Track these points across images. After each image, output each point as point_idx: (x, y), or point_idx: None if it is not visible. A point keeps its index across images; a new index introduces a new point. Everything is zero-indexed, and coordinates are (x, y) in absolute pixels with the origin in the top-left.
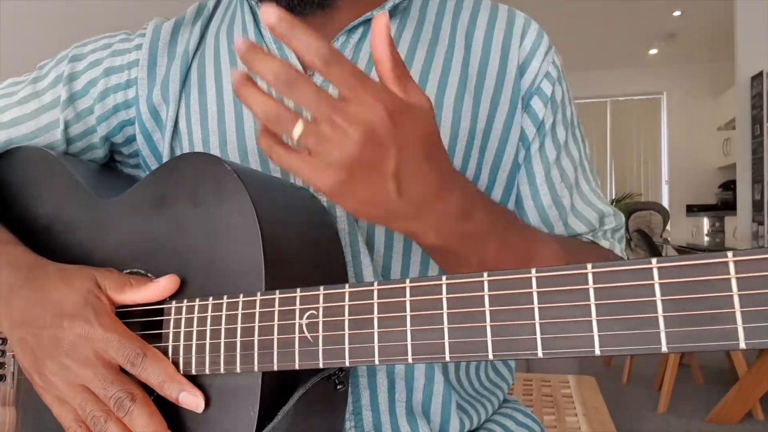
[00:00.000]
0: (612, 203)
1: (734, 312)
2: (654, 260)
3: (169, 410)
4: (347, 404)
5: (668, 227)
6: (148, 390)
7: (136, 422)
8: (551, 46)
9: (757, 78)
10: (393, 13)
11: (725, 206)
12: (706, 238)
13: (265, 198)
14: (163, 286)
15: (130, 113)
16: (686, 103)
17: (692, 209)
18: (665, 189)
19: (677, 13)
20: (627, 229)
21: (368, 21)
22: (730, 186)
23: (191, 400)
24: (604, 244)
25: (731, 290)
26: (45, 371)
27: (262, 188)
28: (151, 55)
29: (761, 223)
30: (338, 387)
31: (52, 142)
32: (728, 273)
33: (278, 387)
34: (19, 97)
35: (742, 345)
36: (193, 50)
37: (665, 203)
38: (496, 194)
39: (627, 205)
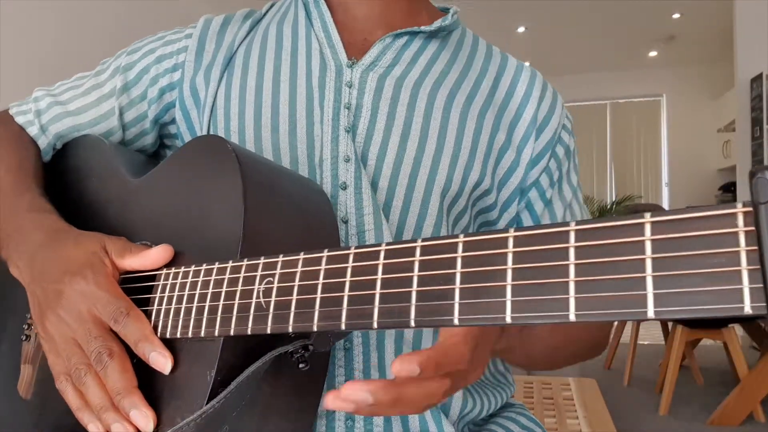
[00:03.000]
0: (612, 205)
1: (645, 277)
2: (573, 223)
3: (145, 371)
4: (323, 389)
5: None
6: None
7: (109, 377)
8: (563, 105)
9: (757, 80)
10: (435, 34)
11: None
12: None
13: (258, 179)
14: (155, 253)
15: (173, 95)
16: (686, 105)
17: None
18: (665, 191)
19: (677, 16)
20: None
21: (415, 33)
22: (730, 188)
23: (160, 361)
24: None
25: (644, 253)
26: (46, 323)
27: (259, 171)
28: (200, 42)
29: None
30: (300, 365)
31: (111, 128)
32: (643, 235)
33: (239, 358)
34: (83, 88)
35: (651, 314)
36: (240, 40)
37: (665, 205)
38: (497, 209)
39: (627, 207)
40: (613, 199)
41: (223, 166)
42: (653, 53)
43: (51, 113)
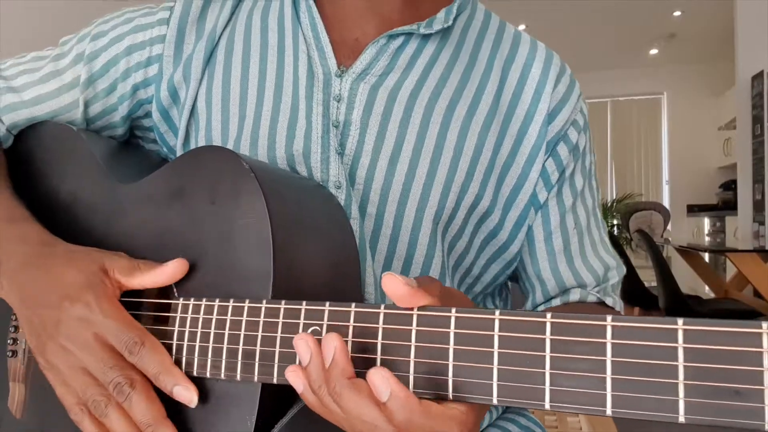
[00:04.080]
0: (612, 203)
1: (763, 390)
2: (680, 321)
3: (171, 404)
4: None
5: (669, 227)
6: None
7: (135, 408)
8: (581, 94)
9: (758, 78)
10: (435, 32)
11: (726, 206)
12: (706, 238)
13: (281, 201)
14: (171, 269)
15: (148, 92)
16: (687, 103)
17: (693, 209)
18: (666, 189)
19: (677, 13)
20: (628, 230)
21: (410, 35)
22: (730, 186)
23: (185, 394)
24: (609, 301)
25: (762, 365)
26: (47, 353)
27: (279, 190)
28: (179, 32)
29: (762, 223)
30: None
31: (72, 121)
32: (761, 346)
33: (278, 399)
34: (41, 74)
35: (681, 419)
36: (222, 27)
37: (666, 203)
38: (506, 230)
39: (627, 206)
40: (614, 197)
41: (240, 184)
42: (654, 51)
43: (3, 101)
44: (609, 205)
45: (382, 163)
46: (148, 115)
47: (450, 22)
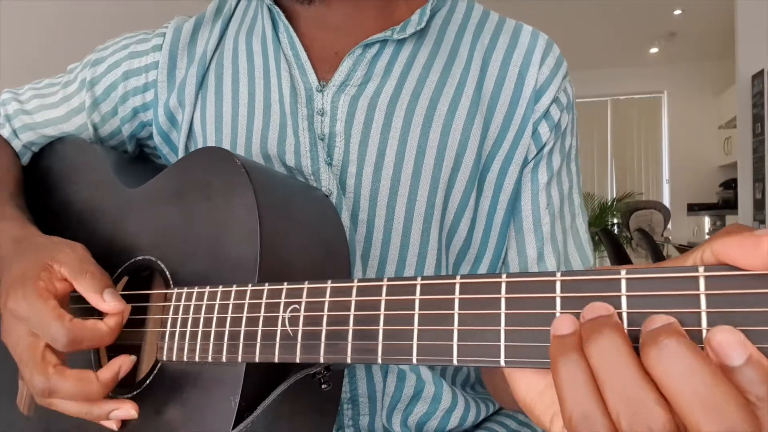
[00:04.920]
0: (613, 202)
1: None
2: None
3: (157, 394)
4: (339, 405)
5: (669, 226)
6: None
7: (61, 406)
8: (567, 74)
9: (758, 76)
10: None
11: (726, 205)
12: (707, 237)
13: (271, 194)
14: (106, 307)
15: (148, 115)
16: (687, 102)
17: (693, 208)
18: (666, 188)
19: (678, 12)
20: (628, 229)
21: (385, 41)
22: (731, 185)
23: (123, 413)
24: None
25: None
26: (7, 343)
27: (269, 185)
28: (171, 59)
29: (762, 222)
30: (323, 386)
31: (88, 140)
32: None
33: (262, 380)
34: (51, 100)
35: None
36: (212, 51)
37: (666, 202)
38: (498, 218)
39: (628, 204)
40: (614, 196)
41: (232, 180)
42: (654, 50)
43: (18, 122)
44: (609, 203)
45: (368, 170)
46: (151, 136)
47: (423, 24)
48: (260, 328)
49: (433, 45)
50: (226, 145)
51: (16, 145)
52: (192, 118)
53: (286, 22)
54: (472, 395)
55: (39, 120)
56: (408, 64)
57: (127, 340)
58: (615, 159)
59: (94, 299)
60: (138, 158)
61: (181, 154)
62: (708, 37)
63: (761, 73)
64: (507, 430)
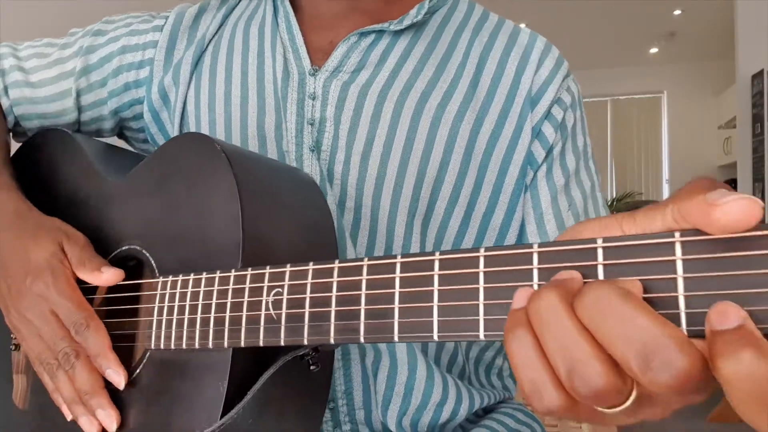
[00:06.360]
0: (612, 202)
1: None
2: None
3: (147, 383)
4: (330, 389)
5: None
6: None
7: (77, 376)
8: (569, 74)
9: (758, 76)
10: (407, 27)
11: None
12: None
13: (251, 177)
14: (106, 278)
15: (139, 92)
16: (687, 102)
17: None
18: (666, 188)
19: (677, 12)
20: None
21: (381, 31)
22: (730, 184)
23: (114, 377)
24: None
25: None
26: (11, 317)
27: (250, 168)
28: (171, 39)
29: (762, 222)
30: (312, 367)
31: (66, 108)
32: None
33: (250, 365)
34: (48, 60)
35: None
36: (210, 36)
37: None
38: (498, 217)
39: (627, 204)
40: (614, 196)
41: (213, 165)
42: (654, 50)
43: (11, 77)
44: (609, 203)
45: (356, 158)
46: (137, 117)
47: (420, 17)
48: (245, 312)
49: (430, 41)
50: (219, 124)
51: (4, 103)
52: (186, 98)
53: (288, 6)
54: (467, 386)
55: (34, 80)
56: (403, 56)
57: (117, 330)
58: (615, 159)
59: (92, 279)
60: (119, 148)
61: (173, 134)
62: (708, 37)
63: (761, 73)
64: (506, 429)
